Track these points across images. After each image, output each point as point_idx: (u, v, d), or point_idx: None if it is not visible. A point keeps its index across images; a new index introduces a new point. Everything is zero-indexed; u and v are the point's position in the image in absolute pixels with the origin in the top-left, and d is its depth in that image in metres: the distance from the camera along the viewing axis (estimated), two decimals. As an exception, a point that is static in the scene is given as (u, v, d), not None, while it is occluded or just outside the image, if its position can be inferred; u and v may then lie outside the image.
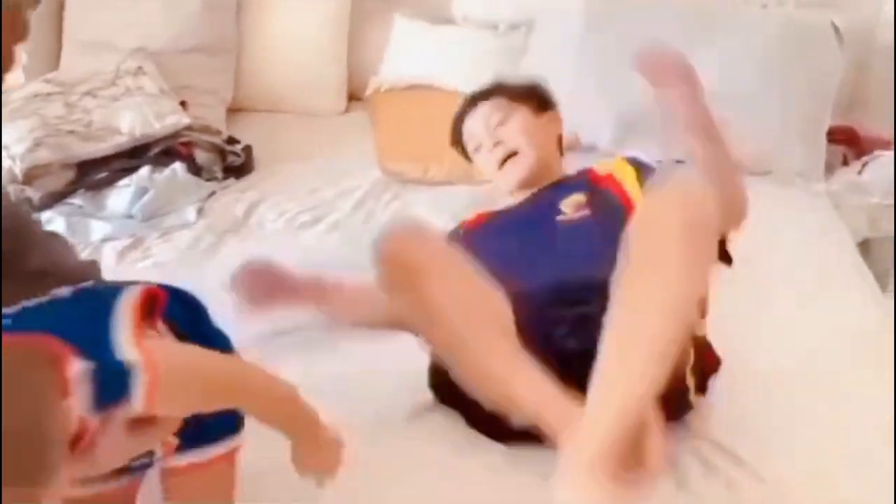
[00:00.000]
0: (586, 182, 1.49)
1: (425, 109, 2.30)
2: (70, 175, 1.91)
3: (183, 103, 2.13)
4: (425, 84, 2.40)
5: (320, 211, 1.94)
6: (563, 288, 1.26)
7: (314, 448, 1.05)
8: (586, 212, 1.41)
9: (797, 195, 2.05)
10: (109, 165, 1.92)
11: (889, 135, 2.25)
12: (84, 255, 1.74)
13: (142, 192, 1.85)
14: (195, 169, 2.01)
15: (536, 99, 1.61)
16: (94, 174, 1.91)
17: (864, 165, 2.17)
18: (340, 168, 2.12)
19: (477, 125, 1.59)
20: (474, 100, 1.62)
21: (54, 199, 1.86)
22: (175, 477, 1.00)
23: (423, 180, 2.10)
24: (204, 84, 2.24)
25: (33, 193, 1.84)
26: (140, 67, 2.11)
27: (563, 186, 1.50)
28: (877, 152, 2.19)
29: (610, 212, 1.38)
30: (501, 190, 1.61)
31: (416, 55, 2.44)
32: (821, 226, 1.95)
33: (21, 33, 0.93)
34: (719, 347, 1.43)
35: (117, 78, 2.07)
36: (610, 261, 1.16)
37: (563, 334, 1.22)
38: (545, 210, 1.45)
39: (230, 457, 1.02)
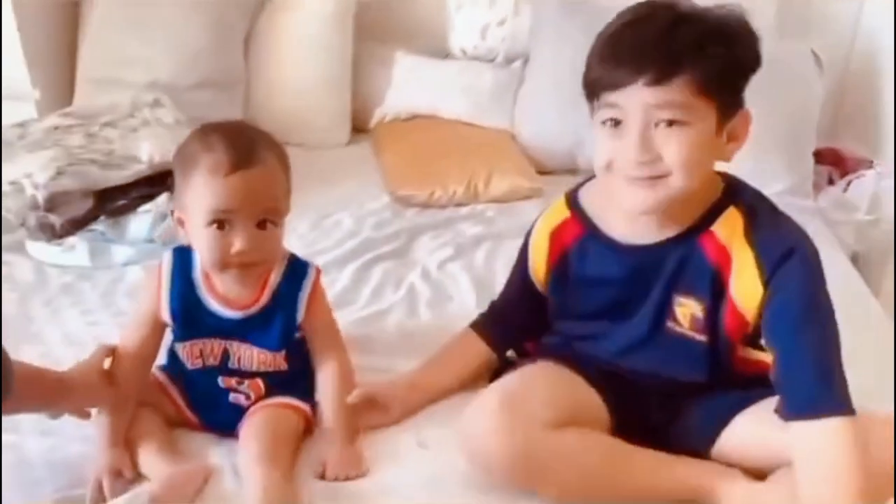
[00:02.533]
0: (707, 271, 1.21)
1: (428, 137, 2.40)
2: (89, 202, 1.96)
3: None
4: (427, 114, 2.49)
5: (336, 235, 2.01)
6: (657, 381, 1.28)
7: (346, 448, 1.26)
8: (702, 338, 1.24)
9: (789, 211, 2.13)
10: (129, 193, 1.97)
11: (868, 155, 2.38)
12: (107, 278, 1.80)
13: (162, 217, 1.90)
14: (212, 195, 2.05)
15: None
16: (114, 201, 1.97)
17: (848, 184, 2.28)
18: (351, 194, 2.20)
19: None
20: None
21: (76, 225, 1.90)
22: (259, 410, 1.30)
23: (428, 203, 2.18)
24: (214, 116, 2.30)
25: (56, 220, 1.88)
26: (157, 99, 2.18)
27: (679, 266, 1.23)
28: (860, 171, 2.30)
29: (724, 342, 1.25)
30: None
31: (418, 87, 2.53)
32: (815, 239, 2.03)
33: None
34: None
35: (135, 110, 2.13)
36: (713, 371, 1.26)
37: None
38: (653, 297, 1.25)
39: (303, 412, 1.31)
